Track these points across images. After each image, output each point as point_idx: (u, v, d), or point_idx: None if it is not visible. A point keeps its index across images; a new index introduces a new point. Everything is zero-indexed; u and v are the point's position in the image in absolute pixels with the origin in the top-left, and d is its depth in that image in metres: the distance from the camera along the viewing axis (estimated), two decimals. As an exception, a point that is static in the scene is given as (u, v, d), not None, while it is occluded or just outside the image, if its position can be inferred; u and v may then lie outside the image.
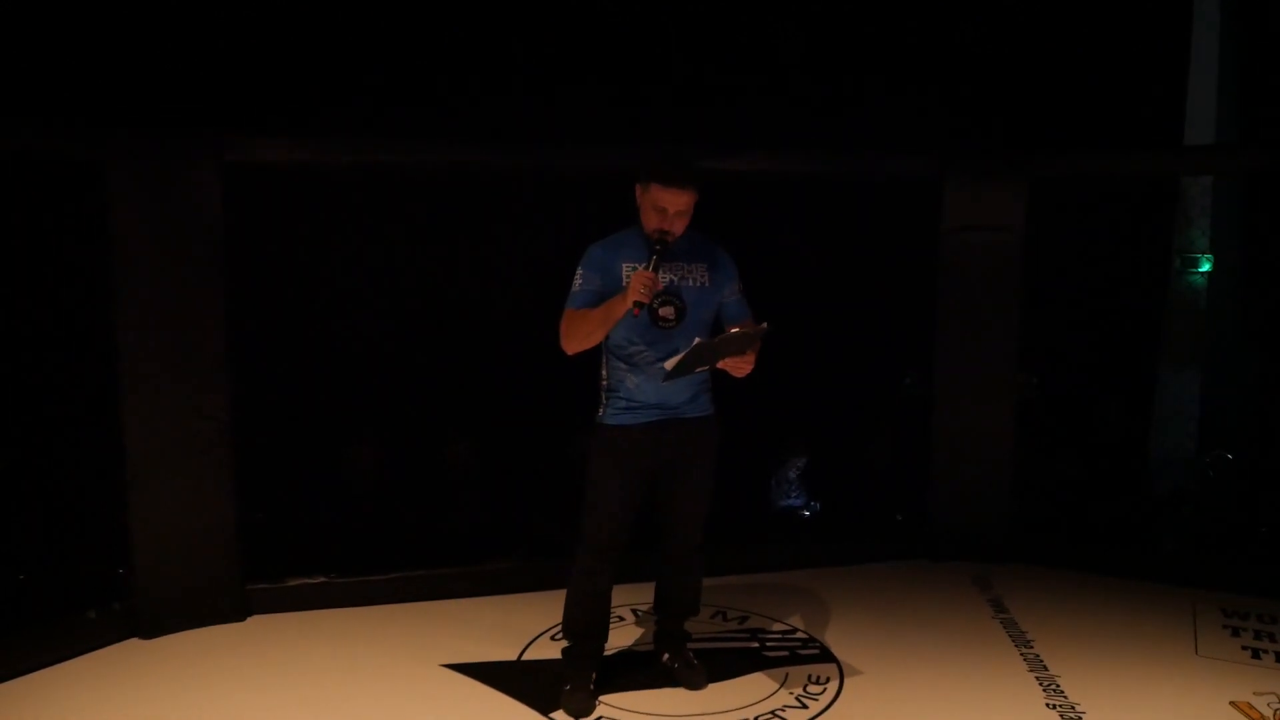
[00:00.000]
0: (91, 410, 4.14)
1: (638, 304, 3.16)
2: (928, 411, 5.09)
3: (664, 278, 3.28)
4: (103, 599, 4.17)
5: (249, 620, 4.36)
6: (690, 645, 3.85)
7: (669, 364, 3.24)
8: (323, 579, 4.51)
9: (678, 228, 3.30)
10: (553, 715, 3.49)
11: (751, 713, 3.51)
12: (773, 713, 3.51)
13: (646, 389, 3.42)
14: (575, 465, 5.12)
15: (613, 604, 3.62)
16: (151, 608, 4.19)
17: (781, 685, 3.72)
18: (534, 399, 5.15)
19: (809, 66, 5.31)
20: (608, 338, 3.39)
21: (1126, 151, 5.11)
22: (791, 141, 4.77)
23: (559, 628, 4.13)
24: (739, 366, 3.28)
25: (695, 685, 3.68)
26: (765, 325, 3.23)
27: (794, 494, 5.57)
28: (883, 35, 5.43)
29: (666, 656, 3.79)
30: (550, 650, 4.03)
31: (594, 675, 3.63)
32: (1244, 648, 4.07)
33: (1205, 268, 6.51)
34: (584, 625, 3.62)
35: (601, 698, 3.60)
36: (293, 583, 4.49)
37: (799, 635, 4.18)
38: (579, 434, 5.09)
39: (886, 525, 5.28)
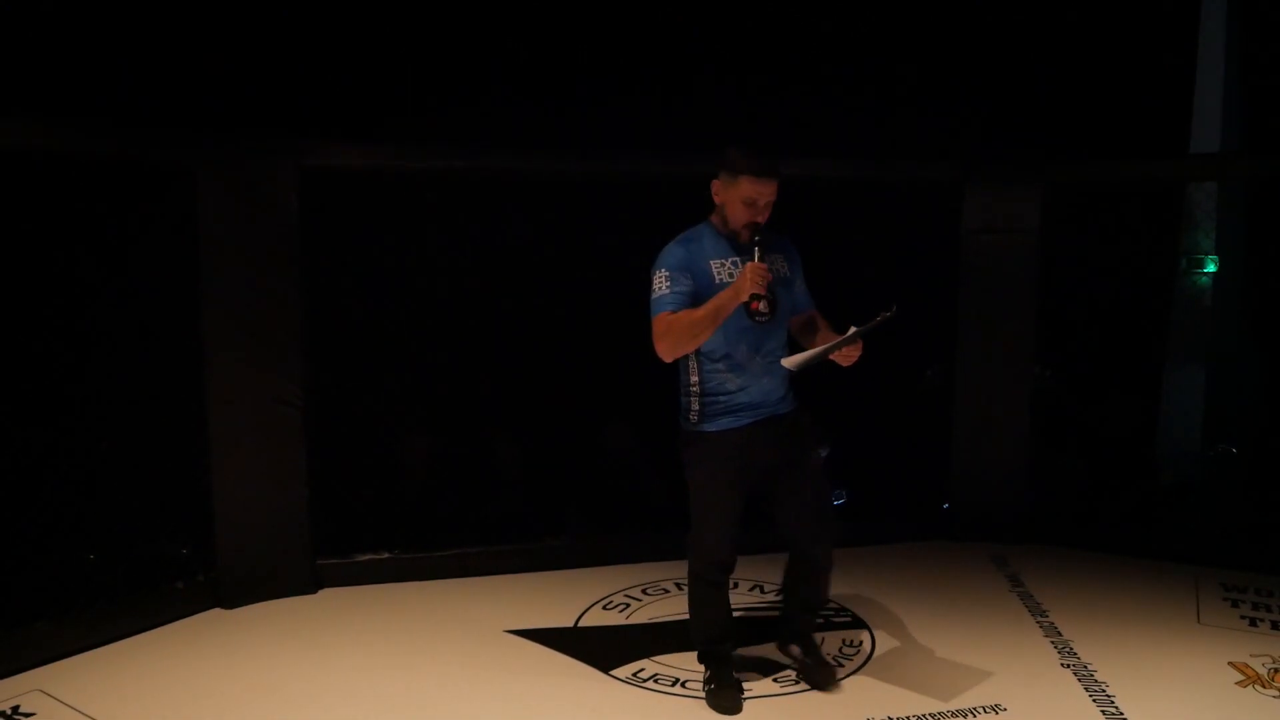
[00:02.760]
0: (178, 397, 4.46)
1: (755, 296, 3.12)
2: (948, 402, 5.42)
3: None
4: (189, 572, 4.50)
5: (320, 593, 4.69)
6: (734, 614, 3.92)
7: (793, 360, 3.22)
8: (387, 554, 4.86)
9: (765, 219, 3.27)
10: (613, 673, 3.82)
11: (794, 670, 3.83)
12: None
13: (749, 388, 3.36)
14: (606, 453, 5.51)
15: (658, 578, 3.89)
16: (232, 580, 4.51)
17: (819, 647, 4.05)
18: (567, 390, 5.48)
19: (838, 79, 5.63)
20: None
21: (1137, 159, 5.40)
22: (823, 148, 5.10)
23: (610, 598, 4.51)
24: (850, 354, 3.22)
25: (824, 684, 3.66)
26: (892, 312, 3.11)
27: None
28: (907, 49, 5.76)
29: (797, 650, 3.78)
30: (602, 618, 4.37)
31: (734, 672, 3.62)
32: (1242, 617, 4.40)
33: (1210, 269, 6.78)
34: (715, 632, 3.61)
35: (652, 657, 3.93)
36: (360, 558, 4.83)
37: (830, 606, 4.50)
38: (605, 423, 5.47)
39: (908, 508, 5.60)
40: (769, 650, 3.98)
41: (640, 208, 4.92)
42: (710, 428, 3.38)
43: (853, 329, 3.18)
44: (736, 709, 3.50)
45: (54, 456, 4.11)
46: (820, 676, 3.69)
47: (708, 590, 3.54)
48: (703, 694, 3.60)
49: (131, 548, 4.41)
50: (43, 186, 4.08)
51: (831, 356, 3.23)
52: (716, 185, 3.35)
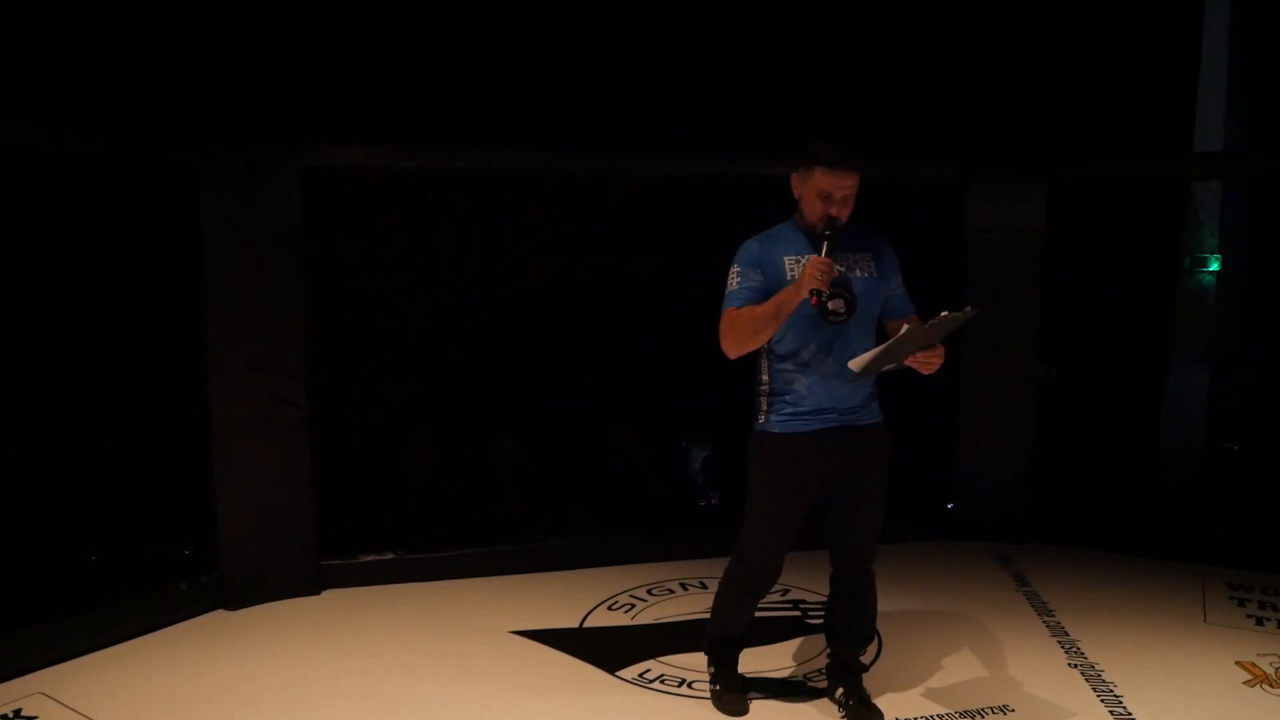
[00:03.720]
0: (181, 398, 4.44)
1: (815, 292, 2.93)
2: (952, 401, 5.41)
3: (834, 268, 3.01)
4: (192, 573, 4.49)
5: (324, 594, 4.67)
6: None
7: (858, 361, 3.00)
8: (391, 555, 4.84)
9: (844, 214, 3.11)
10: (619, 673, 3.81)
11: (801, 671, 3.83)
12: (820, 671, 3.81)
13: (819, 391, 3.17)
14: (610, 453, 5.49)
15: (663, 579, 3.86)
16: (236, 581, 4.50)
17: (826, 647, 4.03)
18: (572, 393, 5.48)
19: (842, 77, 5.62)
20: (772, 339, 3.17)
21: (1142, 158, 5.39)
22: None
23: (615, 599, 4.49)
24: (930, 361, 3.01)
25: None
26: (970, 308, 2.91)
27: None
28: (912, 48, 5.75)
29: (841, 692, 3.51)
30: (607, 619, 4.36)
31: (740, 675, 3.59)
32: (1248, 616, 4.39)
33: (1214, 267, 6.79)
34: (734, 633, 3.53)
35: (658, 658, 3.91)
36: (364, 559, 4.81)
37: (837, 606, 4.50)
38: (610, 423, 5.46)
39: (912, 508, 5.58)
40: (777, 650, 3.97)
41: (642, 208, 4.92)
42: (776, 429, 3.22)
43: (905, 327, 3.01)
44: (743, 711, 3.47)
45: (56, 458, 4.10)
46: (866, 717, 3.42)
47: (740, 598, 3.44)
48: (708, 695, 3.58)
49: (134, 549, 4.40)
50: (45, 188, 4.07)
51: (909, 363, 3.04)
52: (795, 179, 3.22)
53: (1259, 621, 4.32)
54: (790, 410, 3.19)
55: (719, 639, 3.56)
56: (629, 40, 5.39)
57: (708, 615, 3.66)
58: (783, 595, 4.61)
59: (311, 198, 4.52)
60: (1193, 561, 5.03)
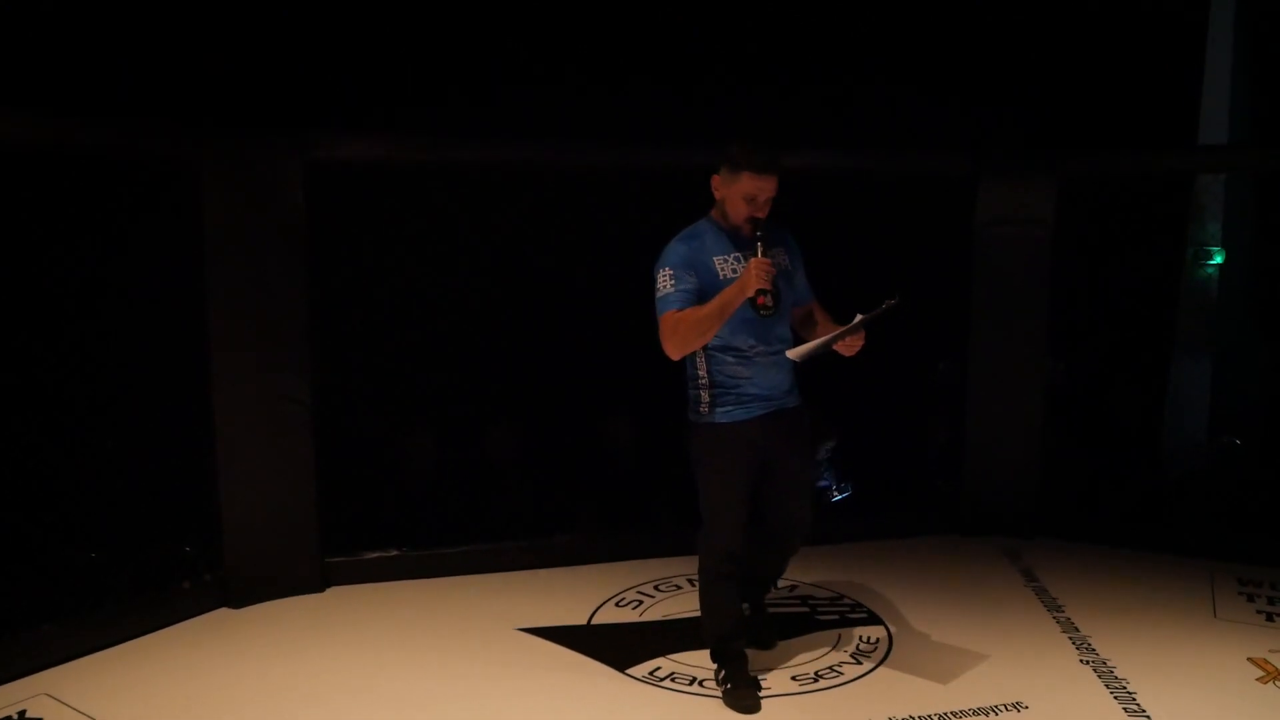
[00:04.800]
0: (184, 395, 4.40)
1: (761, 291, 3.13)
2: (961, 396, 5.38)
3: None
4: (195, 572, 4.44)
5: (328, 591, 4.64)
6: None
7: (796, 352, 3.27)
8: (396, 552, 4.80)
9: (765, 214, 3.29)
10: (629, 671, 3.78)
11: (812, 668, 3.80)
12: (831, 668, 3.80)
13: (757, 380, 3.38)
14: (614, 449, 5.46)
15: (670, 574, 3.84)
16: (240, 579, 4.46)
17: (836, 645, 4.01)
18: (574, 385, 5.44)
19: (852, 71, 5.59)
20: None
21: (1152, 151, 5.37)
22: (837, 141, 5.06)
23: (622, 595, 4.46)
24: (853, 344, 3.26)
25: (765, 644, 3.89)
26: (896, 300, 3.12)
27: (824, 476, 5.86)
28: (921, 41, 5.72)
29: (747, 606, 3.79)
30: (615, 616, 4.33)
31: (749, 669, 3.59)
32: (1259, 611, 4.37)
33: (1217, 260, 6.78)
34: (728, 628, 3.58)
35: (668, 655, 3.89)
36: (368, 556, 4.77)
37: (846, 601, 4.47)
38: (613, 418, 5.43)
39: (920, 501, 5.56)
40: (786, 648, 3.95)
41: (648, 200, 4.88)
42: (723, 418, 3.39)
43: (859, 317, 3.20)
44: (755, 708, 3.46)
45: (58, 458, 4.06)
46: (764, 636, 3.86)
47: (720, 584, 3.53)
48: (719, 693, 3.55)
49: (137, 548, 4.37)
50: (44, 183, 4.03)
51: (836, 347, 3.27)
52: (716, 180, 3.37)
53: (1269, 617, 4.30)
54: (734, 401, 3.38)
55: (717, 635, 3.60)
56: (637, 33, 5.34)
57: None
58: (790, 591, 4.59)
59: (314, 192, 4.47)
60: (1201, 556, 5.01)
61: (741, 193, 3.28)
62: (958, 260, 5.31)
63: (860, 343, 3.27)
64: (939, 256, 5.44)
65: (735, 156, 3.28)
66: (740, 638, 3.60)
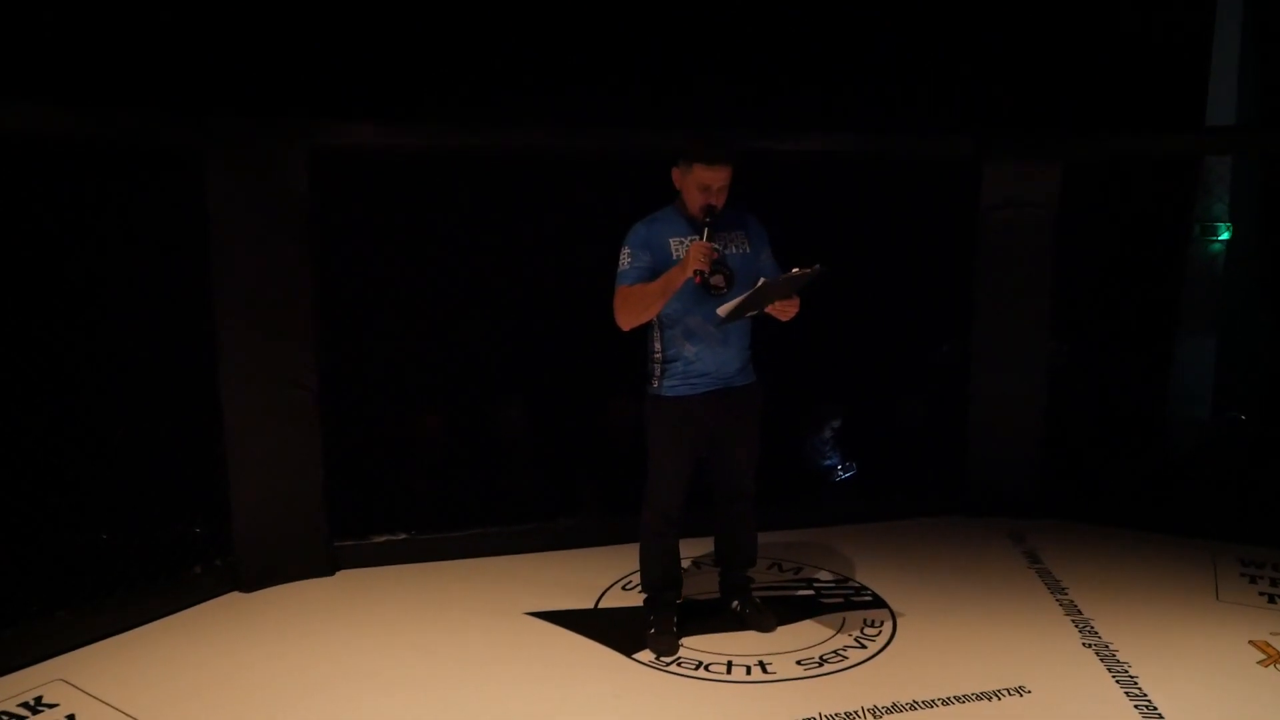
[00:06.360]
0: (192, 383, 4.41)
1: (698, 272, 3.39)
2: (964, 377, 5.39)
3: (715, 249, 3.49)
4: (207, 556, 4.49)
5: (337, 575, 4.68)
6: (754, 591, 4.17)
7: (724, 308, 3.44)
8: (404, 535, 4.84)
9: (720, 201, 3.54)
10: (636, 656, 3.83)
11: (816, 652, 3.84)
12: (835, 652, 3.84)
13: (706, 358, 3.64)
14: (620, 432, 5.47)
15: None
16: (250, 564, 4.50)
17: (840, 628, 4.05)
18: (580, 368, 5.45)
19: (855, 53, 5.56)
20: (662, 311, 3.58)
21: (1157, 133, 5.35)
22: (841, 123, 5.04)
23: (629, 579, 4.50)
24: (785, 310, 3.49)
25: (765, 628, 4.00)
26: (819, 266, 3.37)
27: (829, 453, 5.88)
28: (924, 23, 5.69)
29: (736, 604, 4.09)
30: (623, 599, 4.37)
31: (675, 619, 3.95)
32: (1261, 593, 4.40)
33: (1224, 236, 6.76)
34: (660, 579, 3.95)
35: (682, 640, 3.93)
36: (377, 540, 4.81)
37: (851, 584, 4.51)
38: (619, 401, 5.44)
39: (923, 483, 5.58)
40: (790, 632, 3.99)
41: (655, 184, 4.85)
42: (669, 392, 3.67)
43: (762, 280, 3.42)
44: (671, 651, 3.81)
45: (67, 446, 4.08)
46: (761, 623, 4.01)
47: (655, 539, 3.88)
48: (727, 678, 3.63)
49: (148, 534, 4.39)
50: (47, 172, 4.01)
51: (769, 311, 3.50)
52: (676, 173, 3.65)
53: (1271, 599, 4.34)
54: (680, 376, 3.66)
55: (649, 583, 3.96)
56: (639, 17, 5.31)
57: (718, 595, 4.18)
58: (795, 574, 4.63)
59: (320, 178, 4.46)
60: (1203, 537, 5.03)
61: (696, 183, 3.54)
62: (961, 242, 5.30)
63: (794, 309, 3.50)
64: (942, 239, 5.43)
65: (688, 150, 3.56)
66: (671, 589, 3.98)
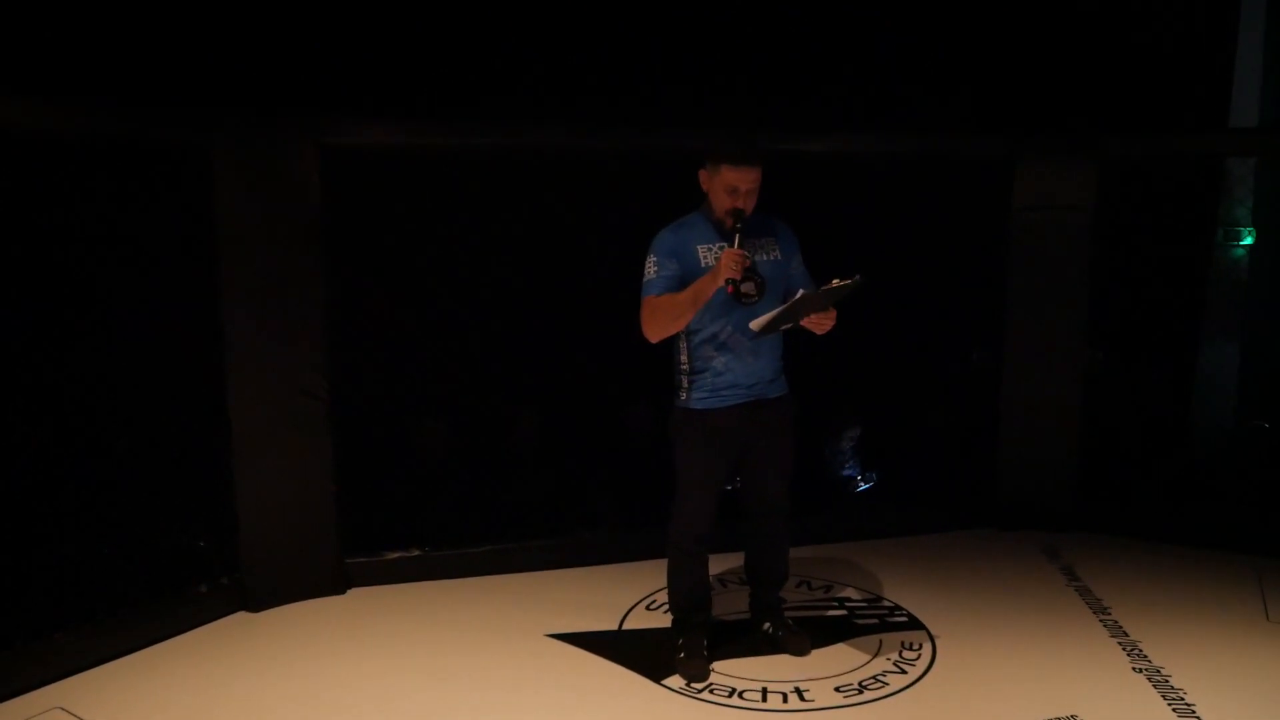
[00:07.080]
0: (198, 392, 4.24)
1: (730, 281, 3.26)
2: (995, 385, 5.22)
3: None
4: (212, 574, 4.30)
5: (349, 593, 4.50)
6: (785, 610, 3.99)
7: (758, 322, 3.30)
8: (418, 552, 4.65)
9: (749, 205, 3.39)
10: (665, 682, 3.64)
11: (855, 678, 3.66)
12: (875, 677, 3.66)
13: (736, 368, 3.49)
14: (640, 442, 5.29)
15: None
16: (257, 582, 4.32)
17: (878, 652, 3.87)
18: (599, 376, 5.29)
19: (888, 54, 5.40)
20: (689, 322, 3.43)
21: (1188, 133, 5.22)
22: (872, 123, 4.88)
23: (653, 598, 4.32)
24: (821, 323, 3.34)
25: (800, 651, 3.81)
26: (859, 277, 3.19)
27: (849, 464, 5.71)
28: (957, 23, 5.54)
29: (768, 625, 3.90)
30: (647, 620, 4.19)
31: (705, 642, 3.75)
32: (1313, 614, 4.24)
33: (1248, 240, 6.62)
34: (689, 601, 3.77)
35: (713, 665, 3.74)
36: (390, 556, 4.63)
37: (884, 603, 4.33)
38: (639, 410, 5.27)
39: (953, 495, 5.40)
40: (825, 655, 3.81)
41: (672, 186, 4.69)
42: (697, 405, 3.52)
43: (800, 292, 3.31)
44: (702, 677, 3.62)
45: (70, 458, 3.91)
46: (795, 645, 3.83)
47: (685, 559, 3.70)
48: (763, 706, 3.44)
49: (152, 550, 4.22)
50: (53, 171, 3.85)
51: (804, 324, 3.35)
52: (703, 175, 3.49)
53: (1323, 619, 4.17)
54: (709, 388, 3.50)
55: (678, 605, 3.79)
56: (666, 14, 5.13)
57: (747, 615, 3.97)
58: (826, 592, 4.45)
59: (331, 178, 4.29)
60: (1244, 552, 4.86)
61: (723, 185, 3.39)
62: (994, 245, 5.13)
63: (830, 322, 3.35)
64: (974, 242, 5.26)
65: (715, 151, 3.42)
66: (701, 611, 3.79)
